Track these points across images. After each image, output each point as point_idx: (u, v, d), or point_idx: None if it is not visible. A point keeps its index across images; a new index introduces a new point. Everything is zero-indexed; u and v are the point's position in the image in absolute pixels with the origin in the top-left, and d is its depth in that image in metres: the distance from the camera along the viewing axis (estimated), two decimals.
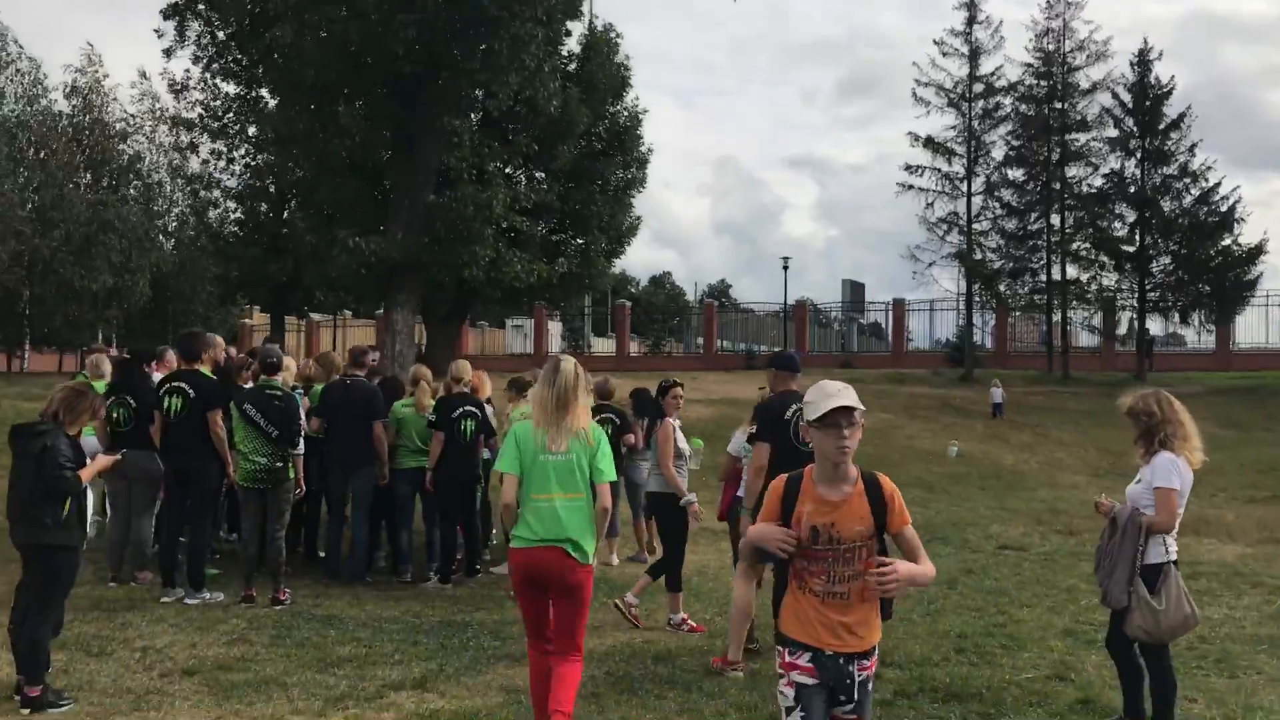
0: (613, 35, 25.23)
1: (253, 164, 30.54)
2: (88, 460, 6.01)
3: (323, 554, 10.22)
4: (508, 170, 23.24)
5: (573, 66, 24.56)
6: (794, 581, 3.78)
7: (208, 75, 26.31)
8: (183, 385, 8.64)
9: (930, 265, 34.57)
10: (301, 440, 8.77)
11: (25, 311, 32.58)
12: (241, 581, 8.63)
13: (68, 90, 34.49)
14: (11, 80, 32.66)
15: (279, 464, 8.51)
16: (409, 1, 18.32)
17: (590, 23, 25.07)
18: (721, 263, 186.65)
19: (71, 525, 5.85)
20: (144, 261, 33.85)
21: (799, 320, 42.73)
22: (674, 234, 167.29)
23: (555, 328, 48.08)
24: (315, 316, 42.78)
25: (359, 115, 20.60)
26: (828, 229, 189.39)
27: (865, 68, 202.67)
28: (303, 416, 8.87)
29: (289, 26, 18.61)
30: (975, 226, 34.49)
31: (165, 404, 8.63)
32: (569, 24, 23.07)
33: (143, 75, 35.70)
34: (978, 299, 35.38)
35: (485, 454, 9.95)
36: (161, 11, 22.24)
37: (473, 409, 9.69)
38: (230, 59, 22.51)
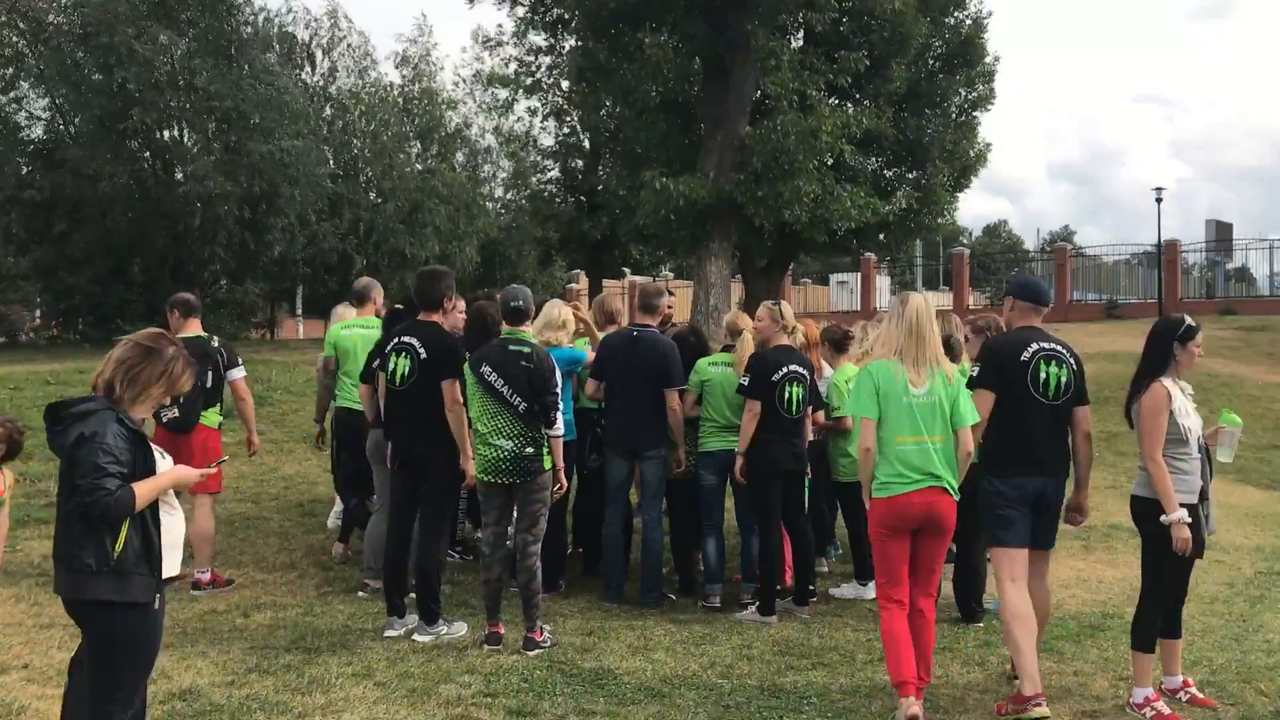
0: None
1: (566, 119, 29.06)
2: (159, 459, 3.53)
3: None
4: (832, 100, 19.79)
5: None
6: None
7: (517, 25, 24.84)
8: (412, 343, 6.18)
9: None
10: (561, 416, 6.08)
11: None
12: (485, 613, 6.08)
13: (398, 61, 34.45)
14: (343, 55, 32.84)
15: (529, 449, 5.88)
16: None
17: None
18: (1060, 209, 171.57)
19: (129, 569, 3.40)
20: (471, 228, 33.36)
21: (1169, 263, 36.16)
22: (1006, 182, 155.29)
23: (883, 282, 43.97)
24: (635, 279, 41.22)
25: (665, 44, 17.99)
26: (1180, 167, 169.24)
27: None
28: (559, 381, 6.13)
29: None
30: None
31: (391, 366, 6.21)
32: None
33: (474, 39, 35.05)
34: None
35: (810, 435, 6.95)
36: None
37: (799, 370, 6.67)
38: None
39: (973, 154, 21.58)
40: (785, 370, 6.63)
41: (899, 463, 4.84)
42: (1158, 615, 5.13)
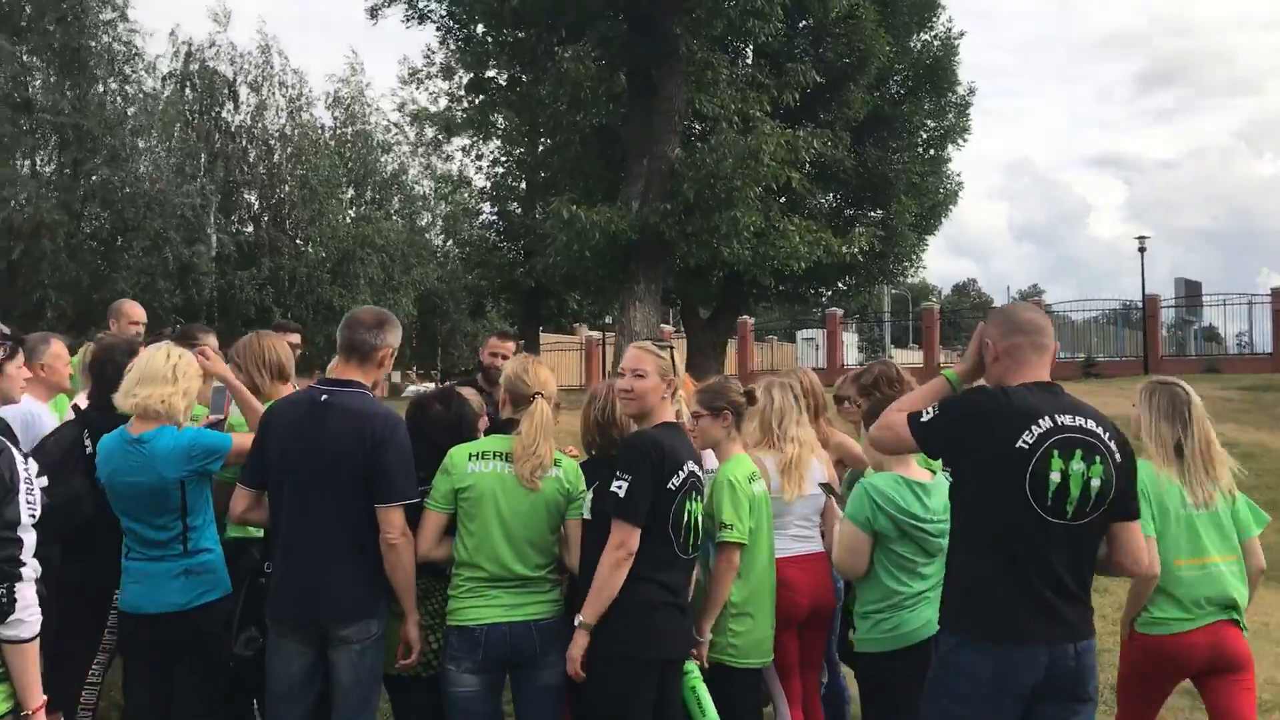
0: None
1: (503, 160, 26.12)
2: None
3: None
4: (778, 123, 16.68)
5: None
6: None
7: (445, 57, 21.78)
8: None
9: None
10: (29, 567, 2.57)
11: None
12: None
13: (329, 101, 31.48)
14: (273, 94, 29.82)
15: None
16: None
17: None
18: (1025, 269, 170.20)
19: None
20: (406, 279, 30.23)
21: (1152, 318, 33.17)
22: (970, 242, 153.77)
23: (850, 339, 40.91)
24: (591, 334, 37.68)
25: (583, 54, 14.83)
26: (1140, 229, 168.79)
27: (1167, 57, 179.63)
28: (36, 503, 2.62)
29: None
30: None
31: None
32: None
33: (402, 81, 32.16)
34: None
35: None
36: None
37: (698, 473, 3.46)
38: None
39: (942, 192, 18.52)
40: (686, 472, 3.31)
41: (1181, 591, 3.57)
42: None
